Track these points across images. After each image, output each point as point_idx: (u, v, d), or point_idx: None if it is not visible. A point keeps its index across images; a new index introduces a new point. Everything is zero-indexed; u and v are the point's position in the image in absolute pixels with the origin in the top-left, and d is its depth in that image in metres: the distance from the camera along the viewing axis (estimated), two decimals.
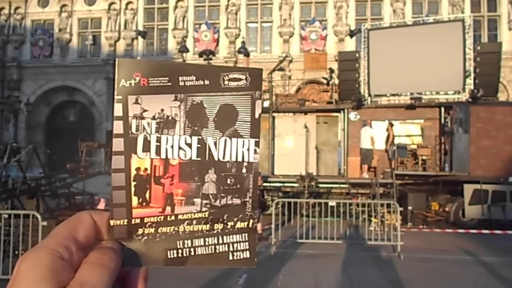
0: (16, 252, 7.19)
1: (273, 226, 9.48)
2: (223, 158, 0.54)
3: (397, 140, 15.76)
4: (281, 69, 22.29)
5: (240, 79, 0.55)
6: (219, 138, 0.55)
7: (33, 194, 11.02)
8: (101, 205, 12.56)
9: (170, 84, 0.53)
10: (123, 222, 0.52)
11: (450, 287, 6.99)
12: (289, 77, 24.29)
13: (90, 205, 12.95)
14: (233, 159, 0.55)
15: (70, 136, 23.08)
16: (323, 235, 9.78)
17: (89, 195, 13.59)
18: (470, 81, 15.70)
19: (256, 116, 0.55)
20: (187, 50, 23.55)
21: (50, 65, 28.38)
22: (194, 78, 0.54)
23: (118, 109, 0.52)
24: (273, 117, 16.69)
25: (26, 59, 28.89)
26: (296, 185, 14.66)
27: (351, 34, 23.39)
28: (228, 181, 0.54)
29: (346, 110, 16.43)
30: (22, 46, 29.04)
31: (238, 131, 0.55)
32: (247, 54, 21.14)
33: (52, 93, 28.75)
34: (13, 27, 29.08)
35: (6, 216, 7.53)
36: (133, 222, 0.52)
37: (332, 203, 11.21)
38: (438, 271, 7.88)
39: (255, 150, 0.55)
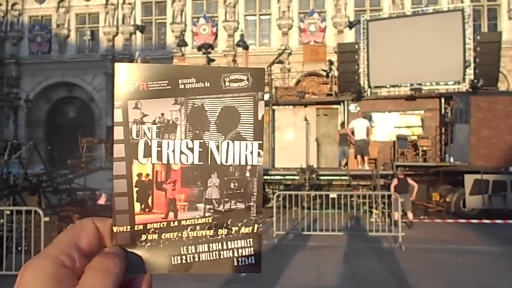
0: (19, 248, 7.22)
1: (274, 219, 9.51)
2: (226, 162, 0.53)
3: (397, 131, 15.77)
4: (280, 62, 22.19)
5: (241, 80, 0.54)
6: (221, 142, 0.54)
7: (34, 190, 11.03)
8: (102, 200, 12.59)
9: (169, 87, 0.52)
10: (126, 228, 0.51)
11: (452, 276, 7.01)
12: (289, 70, 24.21)
13: (92, 201, 12.98)
14: (236, 162, 0.53)
15: (70, 132, 23.08)
16: (324, 227, 9.81)
17: (91, 190, 13.61)
18: (470, 71, 15.65)
19: (259, 117, 0.54)
20: (185, 44, 23.45)
21: (49, 61, 28.28)
22: (194, 80, 0.53)
23: (117, 115, 0.51)
24: (273, 110, 16.67)
25: (24, 55, 28.78)
26: (297, 177, 14.68)
27: (350, 25, 23.26)
28: (232, 185, 0.53)
29: (346, 102, 16.40)
30: (20, 43, 28.92)
31: (241, 134, 0.54)
32: (246, 47, 21.03)
33: (51, 90, 28.68)
34: (10, 23, 28.93)
35: (8, 212, 7.55)
36: (136, 228, 0.52)
37: (333, 195, 11.23)
38: (439, 261, 7.91)
39: (258, 153, 0.54)
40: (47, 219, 7.31)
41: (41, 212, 7.33)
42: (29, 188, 10.95)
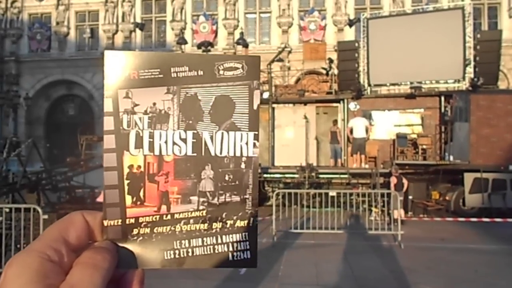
0: (18, 246, 7.22)
1: (273, 217, 9.50)
2: (220, 153, 0.52)
3: (397, 130, 15.78)
4: (280, 60, 22.16)
5: (236, 68, 0.52)
6: (216, 132, 0.52)
7: (33, 188, 11.03)
8: (101, 197, 12.57)
9: (161, 76, 0.50)
10: (117, 222, 0.49)
11: (451, 275, 7.01)
12: (289, 68, 24.17)
13: (91, 199, 12.97)
14: (231, 154, 0.52)
15: (70, 130, 23.06)
16: (323, 225, 9.80)
17: (90, 188, 13.60)
18: (470, 70, 15.63)
19: (255, 107, 0.52)
20: (185, 42, 23.40)
21: (48, 59, 28.24)
22: (187, 68, 0.51)
23: (108, 104, 0.49)
24: (273, 108, 16.66)
25: (24, 53, 28.74)
26: (296, 176, 14.67)
27: (350, 23, 23.23)
28: (226, 178, 0.51)
29: (345, 100, 16.39)
30: (20, 40, 28.86)
31: (236, 124, 0.52)
32: (246, 45, 21.01)
33: (51, 87, 28.65)
34: (10, 21, 28.86)
35: (7, 210, 7.55)
36: (127, 222, 0.50)
37: (332, 193, 11.23)
38: (438, 259, 7.91)
39: (254, 144, 0.52)
40: (46, 216, 7.30)
41: (40, 210, 7.32)
42: (28, 186, 10.95)
